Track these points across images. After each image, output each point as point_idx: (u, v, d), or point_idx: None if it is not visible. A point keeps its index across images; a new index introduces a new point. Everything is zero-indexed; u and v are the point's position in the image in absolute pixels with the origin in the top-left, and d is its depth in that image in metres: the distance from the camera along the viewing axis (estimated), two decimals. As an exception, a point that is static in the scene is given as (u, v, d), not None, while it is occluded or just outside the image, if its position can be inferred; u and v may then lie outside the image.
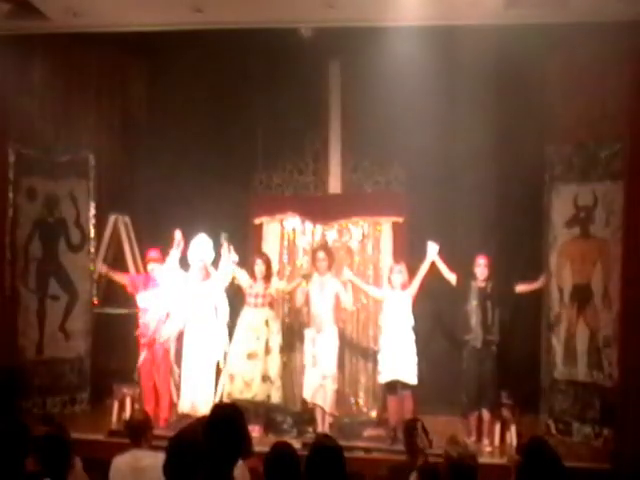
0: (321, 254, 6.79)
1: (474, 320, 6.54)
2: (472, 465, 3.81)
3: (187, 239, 6.92)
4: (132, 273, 7.47)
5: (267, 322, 6.79)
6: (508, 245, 7.30)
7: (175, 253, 6.83)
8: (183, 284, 6.90)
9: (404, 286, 6.66)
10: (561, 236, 6.88)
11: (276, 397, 6.75)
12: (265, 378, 6.68)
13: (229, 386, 6.69)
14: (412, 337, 6.59)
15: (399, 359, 6.51)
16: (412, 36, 6.35)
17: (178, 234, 6.83)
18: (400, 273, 6.64)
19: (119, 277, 7.28)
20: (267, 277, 6.87)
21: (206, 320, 6.89)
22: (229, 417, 3.41)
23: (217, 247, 6.88)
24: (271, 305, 6.93)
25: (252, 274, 6.86)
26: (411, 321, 6.60)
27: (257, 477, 3.66)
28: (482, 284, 6.57)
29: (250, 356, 6.68)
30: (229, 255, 6.79)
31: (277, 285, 6.91)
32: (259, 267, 6.83)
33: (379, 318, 6.98)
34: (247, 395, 6.62)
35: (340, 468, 3.57)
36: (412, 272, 6.69)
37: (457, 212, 7.39)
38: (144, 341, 6.90)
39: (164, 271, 6.89)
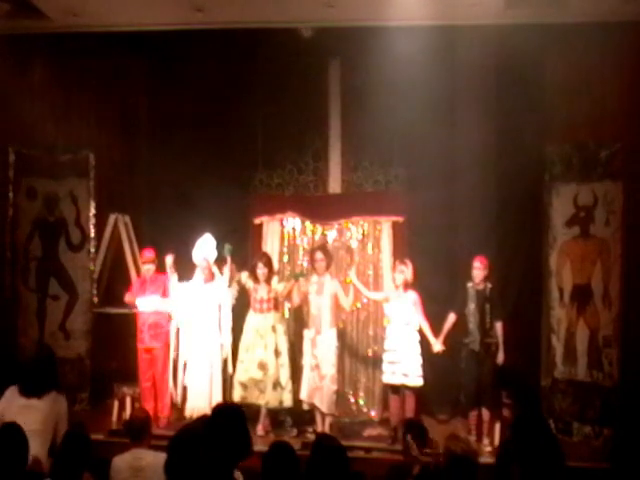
0: (319, 254, 6.77)
1: (472, 323, 6.54)
2: (474, 461, 3.82)
3: (187, 239, 6.93)
4: (133, 278, 7.42)
5: (274, 327, 6.78)
6: (508, 245, 7.31)
7: (173, 278, 6.83)
8: (187, 289, 6.91)
9: (406, 286, 6.65)
10: (561, 236, 6.87)
11: (288, 401, 6.75)
12: (276, 385, 6.67)
13: (242, 392, 6.63)
14: (417, 338, 6.59)
15: (404, 362, 6.49)
16: (412, 36, 6.35)
17: (169, 259, 6.76)
18: (402, 273, 6.63)
19: (129, 298, 7.04)
20: (269, 279, 6.84)
21: (209, 322, 6.87)
22: (231, 418, 3.41)
23: (221, 260, 6.87)
24: (276, 308, 6.89)
25: (255, 276, 6.84)
26: (415, 322, 6.59)
27: (257, 477, 3.65)
28: (480, 286, 6.56)
29: (260, 365, 6.67)
30: (234, 274, 6.82)
31: (274, 286, 6.89)
32: (261, 270, 6.78)
33: (381, 318, 6.98)
34: (261, 401, 6.63)
35: (343, 468, 3.58)
36: (413, 271, 6.67)
37: (457, 212, 7.38)
38: (142, 346, 6.91)
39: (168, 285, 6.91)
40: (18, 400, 4.57)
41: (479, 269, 6.54)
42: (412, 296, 6.62)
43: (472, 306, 6.55)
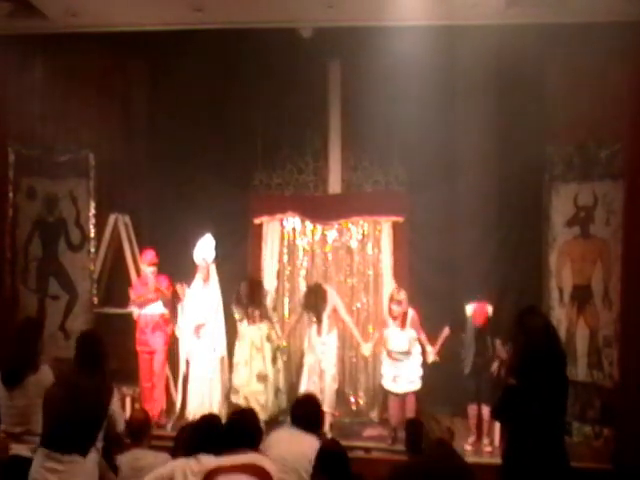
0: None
1: (467, 351, 6.48)
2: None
3: (187, 239, 6.94)
4: (134, 281, 7.42)
5: (268, 336, 6.81)
6: (508, 245, 7.31)
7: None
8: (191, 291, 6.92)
9: (403, 319, 6.59)
10: (561, 236, 6.87)
11: (283, 403, 6.81)
12: (277, 392, 6.75)
13: (244, 404, 6.56)
14: (418, 350, 6.59)
15: (406, 374, 6.52)
16: (412, 36, 6.35)
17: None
18: (399, 305, 6.56)
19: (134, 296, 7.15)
20: (252, 301, 6.83)
21: (208, 324, 6.87)
22: (249, 420, 3.50)
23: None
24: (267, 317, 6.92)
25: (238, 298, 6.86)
26: (415, 346, 6.59)
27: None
28: (479, 325, 6.45)
29: (260, 378, 6.69)
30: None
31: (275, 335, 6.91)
32: (243, 290, 6.84)
33: (382, 318, 6.98)
34: (263, 417, 6.54)
35: (344, 470, 3.61)
36: (413, 271, 6.67)
37: (457, 212, 7.39)
38: (143, 348, 6.92)
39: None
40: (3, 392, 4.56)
41: (472, 315, 6.45)
42: (410, 314, 6.60)
43: (469, 338, 6.48)
